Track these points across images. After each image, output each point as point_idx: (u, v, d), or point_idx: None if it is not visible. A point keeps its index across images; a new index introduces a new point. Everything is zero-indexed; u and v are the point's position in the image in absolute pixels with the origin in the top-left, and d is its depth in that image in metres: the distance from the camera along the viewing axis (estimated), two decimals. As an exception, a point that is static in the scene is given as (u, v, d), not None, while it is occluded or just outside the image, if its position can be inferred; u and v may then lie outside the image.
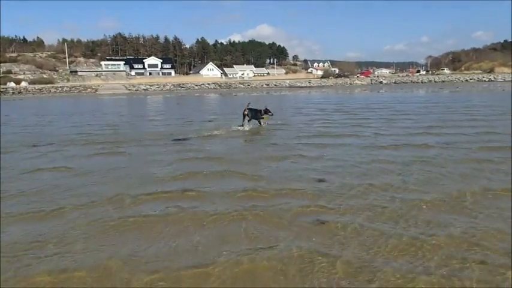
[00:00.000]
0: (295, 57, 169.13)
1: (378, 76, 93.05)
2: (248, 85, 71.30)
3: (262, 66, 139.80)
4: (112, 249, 3.76)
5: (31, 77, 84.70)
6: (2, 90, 58.49)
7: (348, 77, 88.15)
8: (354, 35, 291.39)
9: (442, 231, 3.98)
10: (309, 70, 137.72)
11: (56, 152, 8.74)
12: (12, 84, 69.80)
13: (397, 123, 12.67)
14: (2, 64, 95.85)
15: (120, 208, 4.89)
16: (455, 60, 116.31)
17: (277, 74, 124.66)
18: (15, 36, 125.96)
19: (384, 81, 73.81)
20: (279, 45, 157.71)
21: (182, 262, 3.47)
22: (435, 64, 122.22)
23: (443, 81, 68.11)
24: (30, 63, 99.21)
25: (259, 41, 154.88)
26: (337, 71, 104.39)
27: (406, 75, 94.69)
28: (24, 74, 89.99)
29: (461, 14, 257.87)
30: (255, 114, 12.28)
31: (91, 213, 4.75)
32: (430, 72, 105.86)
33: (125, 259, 3.53)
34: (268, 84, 71.68)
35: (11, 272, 3.34)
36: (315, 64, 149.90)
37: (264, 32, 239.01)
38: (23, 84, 71.96)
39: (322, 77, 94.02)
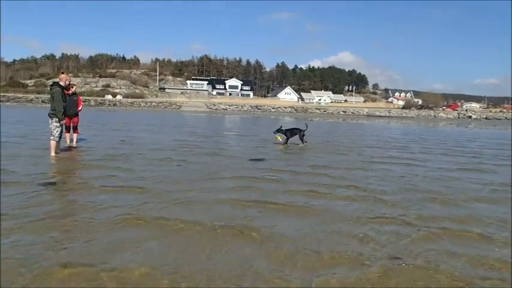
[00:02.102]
0: (375, 86, 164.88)
1: (466, 110, 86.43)
2: (324, 111, 70.85)
3: (340, 93, 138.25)
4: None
5: (125, 91, 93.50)
6: (100, 101, 65.40)
7: (432, 109, 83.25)
8: (441, 65, 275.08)
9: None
10: (389, 100, 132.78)
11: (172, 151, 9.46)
12: (110, 96, 77.68)
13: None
14: (102, 78, 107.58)
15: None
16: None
17: (355, 101, 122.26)
18: (117, 54, 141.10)
19: (474, 116, 68.32)
20: (359, 73, 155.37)
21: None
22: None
23: (546, 121, 60.89)
24: (126, 79, 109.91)
25: (339, 67, 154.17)
26: (420, 102, 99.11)
27: (500, 111, 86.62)
28: (120, 88, 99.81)
29: None
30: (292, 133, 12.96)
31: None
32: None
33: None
34: (345, 111, 70.51)
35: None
36: (396, 94, 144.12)
37: (346, 59, 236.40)
38: (118, 97, 79.66)
39: (404, 107, 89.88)
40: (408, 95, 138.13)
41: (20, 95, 67.98)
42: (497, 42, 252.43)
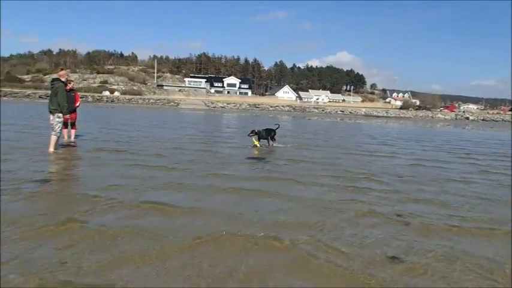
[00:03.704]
0: (373, 86, 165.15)
1: (463, 111, 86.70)
2: (322, 110, 70.86)
3: (338, 93, 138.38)
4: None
5: (123, 88, 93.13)
6: (98, 98, 65.10)
7: (429, 110, 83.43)
8: (440, 66, 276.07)
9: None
10: (387, 100, 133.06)
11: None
12: (107, 93, 77.30)
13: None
14: (100, 75, 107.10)
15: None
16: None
17: (353, 101, 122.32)
18: (114, 50, 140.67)
19: (471, 117, 68.53)
20: (357, 73, 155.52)
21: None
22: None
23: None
24: (123, 76, 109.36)
25: (337, 67, 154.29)
26: (418, 102, 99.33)
27: (497, 113, 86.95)
28: (118, 84, 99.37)
29: None
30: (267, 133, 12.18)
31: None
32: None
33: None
34: (343, 111, 70.53)
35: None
36: (394, 94, 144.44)
37: (344, 59, 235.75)
38: (116, 93, 79.29)
39: (401, 107, 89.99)
40: (406, 95, 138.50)
41: (16, 90, 67.53)
42: (495, 44, 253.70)
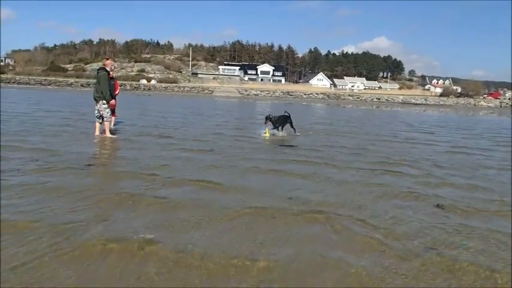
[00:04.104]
0: (411, 72, 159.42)
1: (509, 99, 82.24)
2: (357, 98, 69.59)
3: (375, 80, 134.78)
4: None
5: (159, 76, 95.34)
6: (135, 86, 67.23)
7: (472, 97, 79.81)
8: (482, 51, 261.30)
9: None
10: (427, 87, 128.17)
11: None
12: (144, 81, 79.49)
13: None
14: (137, 63, 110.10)
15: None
16: None
17: (389, 88, 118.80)
18: (151, 39, 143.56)
19: (517, 105, 65.04)
20: (395, 59, 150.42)
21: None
22: None
23: None
24: (160, 64, 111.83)
25: (373, 53, 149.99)
26: (459, 89, 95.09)
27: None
28: (154, 73, 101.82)
29: None
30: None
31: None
32: None
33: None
34: (379, 99, 68.92)
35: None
36: (434, 81, 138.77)
37: (381, 45, 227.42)
38: (153, 82, 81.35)
39: (441, 95, 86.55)
40: (447, 82, 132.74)
41: (60, 79, 70.96)
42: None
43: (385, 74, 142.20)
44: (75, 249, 3.10)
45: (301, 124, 14.34)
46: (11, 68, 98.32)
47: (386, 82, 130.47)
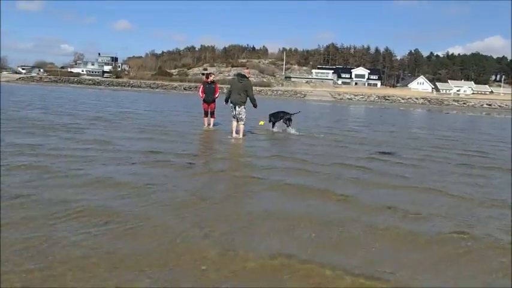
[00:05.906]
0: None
1: None
2: (464, 103, 63.55)
3: (485, 84, 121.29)
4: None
5: (254, 80, 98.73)
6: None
7: None
8: None
9: None
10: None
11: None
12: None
13: None
14: (234, 68, 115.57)
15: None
16: None
17: (503, 93, 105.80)
18: (247, 44, 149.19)
19: None
20: (511, 60, 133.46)
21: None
22: None
23: None
24: (255, 68, 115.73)
25: (484, 54, 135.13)
26: None
27: None
28: (249, 77, 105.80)
29: None
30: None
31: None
32: None
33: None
34: (490, 104, 62.06)
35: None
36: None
37: (495, 44, 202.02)
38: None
39: None
40: None
41: (166, 83, 77.96)
42: None
43: (498, 77, 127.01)
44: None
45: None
46: (126, 73, 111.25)
47: (500, 86, 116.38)
